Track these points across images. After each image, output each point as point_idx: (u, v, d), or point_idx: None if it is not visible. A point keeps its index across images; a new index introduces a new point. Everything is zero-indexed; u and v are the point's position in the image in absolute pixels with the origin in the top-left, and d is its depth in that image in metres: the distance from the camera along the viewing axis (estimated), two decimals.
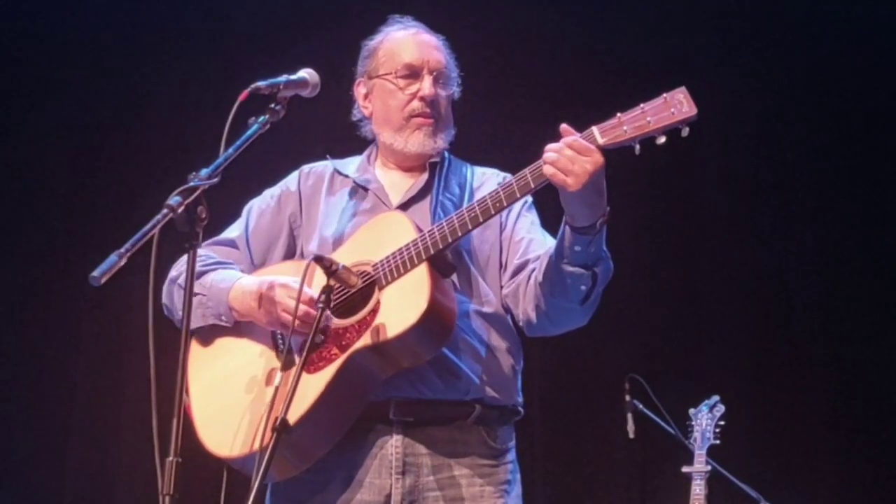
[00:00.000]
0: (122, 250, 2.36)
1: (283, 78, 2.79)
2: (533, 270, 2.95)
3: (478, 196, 3.02)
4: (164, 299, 3.10)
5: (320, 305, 2.73)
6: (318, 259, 2.77)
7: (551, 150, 2.70)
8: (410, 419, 2.92)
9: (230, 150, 2.59)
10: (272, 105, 2.74)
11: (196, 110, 5.31)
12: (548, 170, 2.70)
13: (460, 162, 3.19)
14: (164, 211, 2.42)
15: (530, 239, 3.04)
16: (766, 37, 5.52)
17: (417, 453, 2.92)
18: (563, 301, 2.89)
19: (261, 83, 2.75)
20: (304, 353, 2.67)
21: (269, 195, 3.20)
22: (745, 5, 5.53)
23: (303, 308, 2.79)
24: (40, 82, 5.65)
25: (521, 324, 3.01)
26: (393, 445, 2.92)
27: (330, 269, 2.77)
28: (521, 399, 3.08)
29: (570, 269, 2.82)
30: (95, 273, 2.34)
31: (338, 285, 2.81)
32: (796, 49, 5.48)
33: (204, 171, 2.51)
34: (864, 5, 5.42)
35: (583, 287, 2.85)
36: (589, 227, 2.77)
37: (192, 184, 2.46)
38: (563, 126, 2.73)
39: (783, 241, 5.49)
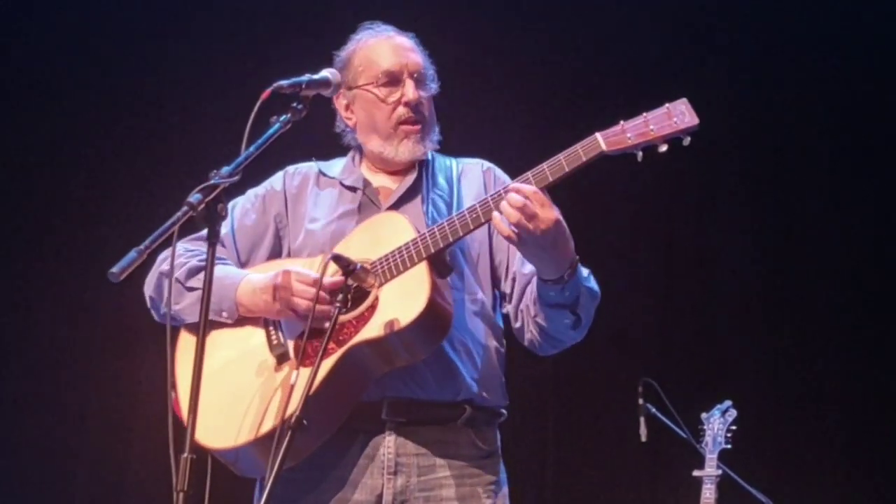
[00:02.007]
0: (142, 247, 2.37)
1: (306, 77, 2.80)
2: (525, 298, 2.99)
3: (464, 186, 3.09)
4: (152, 292, 3.08)
5: (337, 304, 2.74)
6: (337, 258, 2.79)
7: (508, 205, 2.71)
8: (402, 420, 2.94)
9: (251, 149, 2.60)
10: (294, 104, 2.74)
11: (217, 108, 5.33)
12: (501, 229, 2.74)
13: (443, 156, 3.20)
14: (185, 208, 2.42)
15: None
16: (775, 43, 5.53)
17: (409, 454, 2.94)
18: (554, 330, 2.95)
19: (283, 82, 2.74)
20: (322, 347, 2.67)
21: (254, 194, 3.18)
22: (753, 12, 5.54)
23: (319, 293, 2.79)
24: (58, 79, 5.67)
25: (529, 346, 3.05)
26: (385, 446, 2.93)
27: (348, 268, 2.79)
28: (506, 402, 3.10)
29: (549, 310, 2.89)
30: (115, 269, 2.35)
31: (355, 284, 2.82)
32: (806, 54, 5.49)
33: (225, 169, 2.51)
34: (874, 12, 5.42)
35: (567, 321, 2.90)
36: (557, 280, 2.82)
37: (213, 181, 2.47)
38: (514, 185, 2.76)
39: (796, 246, 5.49)
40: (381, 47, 3.09)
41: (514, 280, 3.04)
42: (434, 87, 3.11)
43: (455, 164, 3.18)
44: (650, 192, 5.41)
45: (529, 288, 2.97)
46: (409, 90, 3.04)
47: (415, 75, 3.06)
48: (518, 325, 3.03)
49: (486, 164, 3.19)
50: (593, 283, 2.93)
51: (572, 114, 5.39)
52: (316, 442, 2.86)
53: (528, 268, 2.98)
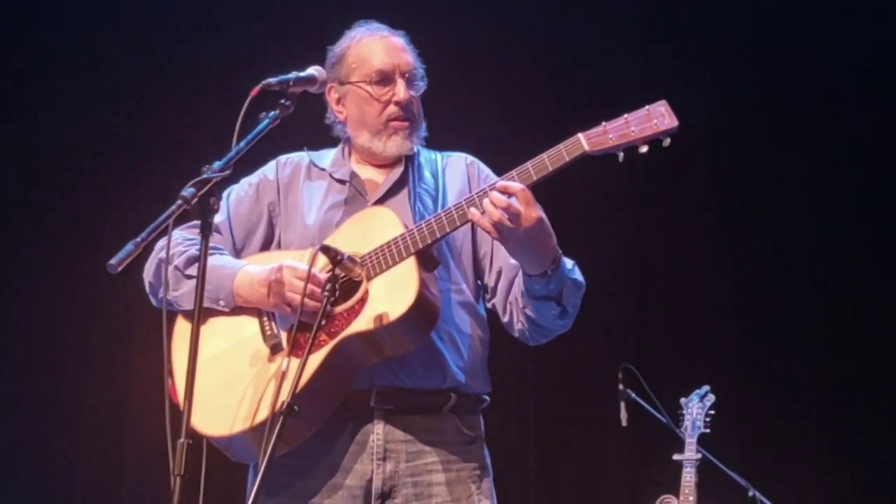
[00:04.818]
0: (138, 239, 2.44)
1: (293, 75, 2.87)
2: (514, 291, 3.05)
3: (448, 180, 3.15)
4: (151, 277, 3.12)
5: (326, 294, 2.81)
6: (325, 249, 2.85)
7: (490, 203, 2.78)
8: (390, 407, 2.99)
9: (242, 144, 2.67)
10: (282, 101, 2.81)
11: (208, 106, 5.36)
12: (484, 225, 2.81)
13: (427, 150, 3.25)
14: (179, 202, 2.49)
15: None
16: (757, 43, 5.59)
17: (397, 440, 2.99)
18: (542, 320, 3.01)
19: (271, 80, 2.81)
20: (312, 337, 2.74)
21: (247, 183, 3.21)
22: (738, 12, 5.61)
23: (310, 287, 2.85)
24: (56, 74, 5.70)
25: (519, 337, 3.11)
26: (375, 433, 2.98)
27: (336, 258, 2.85)
28: (489, 389, 3.16)
29: (536, 302, 2.96)
30: (113, 261, 2.41)
31: (343, 274, 2.88)
32: (781, 54, 5.56)
33: (217, 164, 2.58)
34: (855, 12, 5.49)
35: (553, 312, 2.97)
36: (541, 274, 2.89)
37: (205, 176, 2.54)
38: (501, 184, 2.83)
39: (774, 233, 5.54)
40: (375, 46, 3.14)
41: (499, 274, 3.10)
42: (423, 85, 3.16)
43: (440, 158, 3.23)
44: (626, 182, 5.46)
45: (517, 281, 3.02)
46: (401, 90, 3.09)
47: (406, 75, 3.11)
48: (507, 318, 3.09)
49: (470, 157, 3.25)
50: (578, 275, 2.99)
51: (554, 114, 5.43)
52: (310, 429, 2.91)
53: (514, 261, 3.03)
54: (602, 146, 2.80)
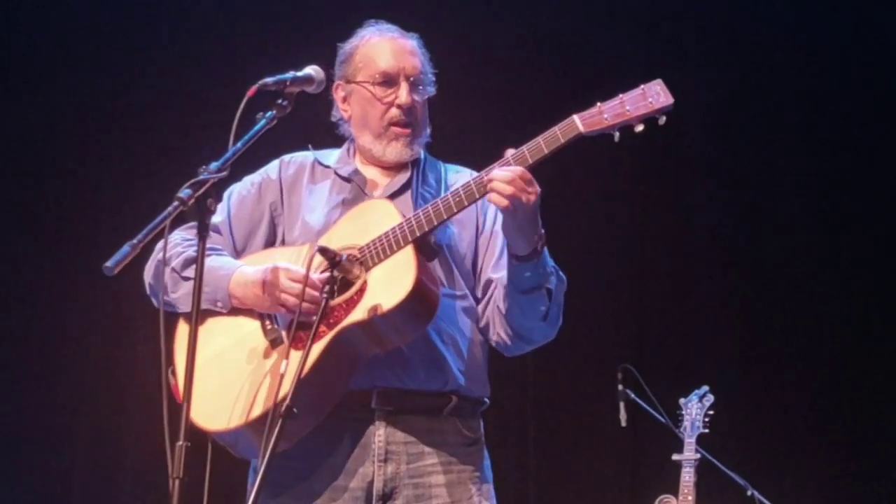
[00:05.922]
0: (135, 241, 2.43)
1: (290, 75, 2.85)
2: (495, 299, 3.06)
3: (451, 187, 3.10)
4: (151, 279, 3.12)
5: (325, 295, 2.81)
6: (323, 250, 2.85)
7: (500, 180, 2.80)
8: (391, 409, 2.99)
9: (238, 145, 2.66)
10: (279, 101, 2.80)
11: (205, 106, 5.36)
12: (498, 200, 2.81)
13: (434, 159, 3.25)
14: (175, 203, 2.48)
15: (503, 249, 3.10)
16: (754, 28, 5.59)
17: (398, 442, 2.99)
18: (528, 322, 3.02)
19: (268, 80, 2.80)
20: (312, 335, 2.74)
21: (250, 182, 3.20)
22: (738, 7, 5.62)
23: (307, 292, 2.85)
24: (51, 74, 5.70)
25: (496, 346, 3.12)
26: (375, 434, 2.98)
27: (334, 259, 2.86)
28: (489, 391, 3.16)
29: (523, 296, 2.96)
30: (109, 263, 2.41)
31: (341, 275, 2.88)
32: (779, 36, 5.56)
33: (213, 165, 2.57)
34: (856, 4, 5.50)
35: (542, 308, 2.98)
36: (531, 253, 2.89)
37: (202, 177, 2.53)
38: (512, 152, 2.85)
39: (775, 232, 5.55)
40: (382, 47, 3.13)
41: (484, 286, 3.11)
42: (430, 90, 3.17)
43: (444, 169, 3.24)
44: (623, 179, 5.47)
45: (499, 284, 3.03)
46: (403, 94, 3.09)
47: (411, 79, 3.10)
48: (483, 324, 3.10)
49: (476, 173, 3.23)
50: (559, 272, 3.01)
51: (550, 96, 5.43)
52: (311, 424, 2.90)
53: (498, 273, 3.05)
54: (597, 126, 2.80)
